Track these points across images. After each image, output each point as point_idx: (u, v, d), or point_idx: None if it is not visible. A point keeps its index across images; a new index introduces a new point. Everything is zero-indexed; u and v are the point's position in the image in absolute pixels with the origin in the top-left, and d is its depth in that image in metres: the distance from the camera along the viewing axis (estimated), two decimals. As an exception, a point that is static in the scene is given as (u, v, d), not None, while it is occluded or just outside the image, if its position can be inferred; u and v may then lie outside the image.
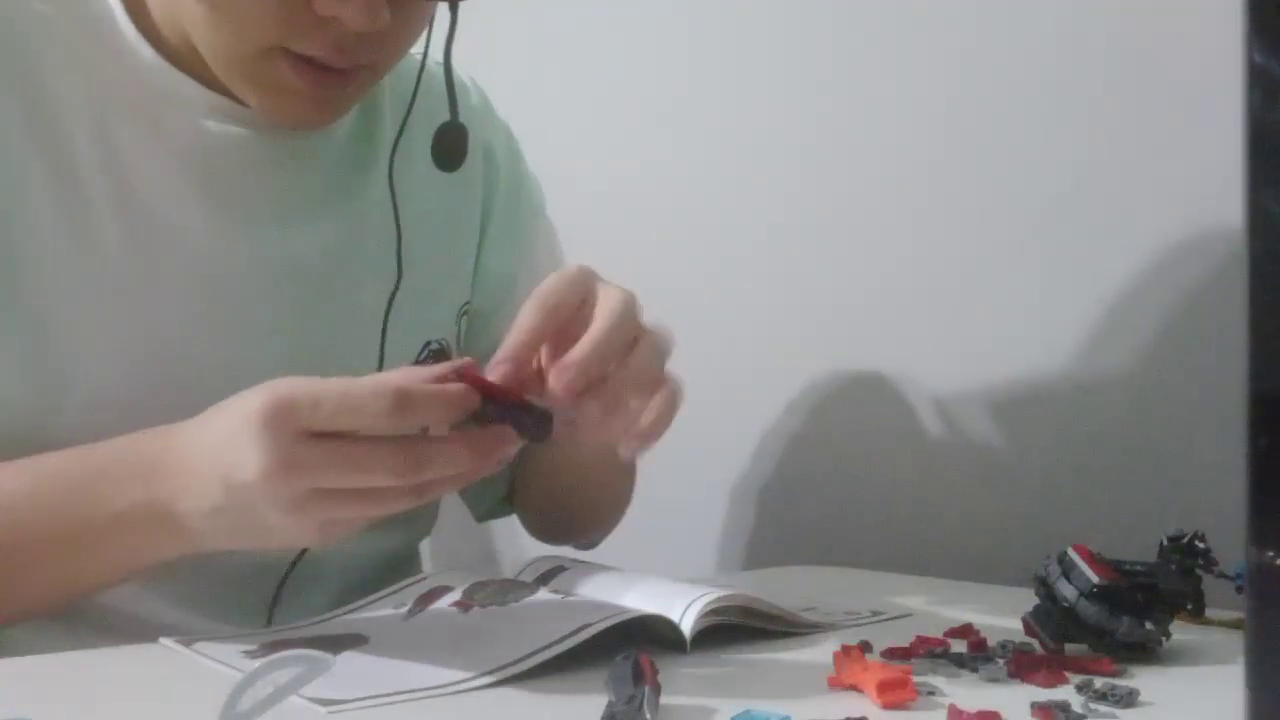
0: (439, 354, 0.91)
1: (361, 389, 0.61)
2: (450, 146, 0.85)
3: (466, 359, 0.65)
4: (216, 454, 0.65)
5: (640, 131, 1.31)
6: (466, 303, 0.95)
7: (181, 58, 0.80)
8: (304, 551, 0.83)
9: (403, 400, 0.60)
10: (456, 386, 0.61)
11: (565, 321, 0.65)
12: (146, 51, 0.80)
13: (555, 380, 0.62)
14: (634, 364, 0.65)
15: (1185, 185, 0.93)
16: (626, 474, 0.97)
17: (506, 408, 0.62)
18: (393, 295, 0.86)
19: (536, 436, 0.63)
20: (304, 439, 0.61)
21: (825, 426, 1.16)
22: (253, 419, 0.62)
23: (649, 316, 0.69)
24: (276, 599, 0.84)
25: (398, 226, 0.87)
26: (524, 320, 0.64)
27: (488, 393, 0.62)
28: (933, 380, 1.08)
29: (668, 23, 1.28)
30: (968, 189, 1.06)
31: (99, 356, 0.77)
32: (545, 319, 0.64)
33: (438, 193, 0.90)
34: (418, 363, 0.89)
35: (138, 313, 0.79)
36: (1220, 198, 0.87)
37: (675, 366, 0.70)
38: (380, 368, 0.84)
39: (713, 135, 1.25)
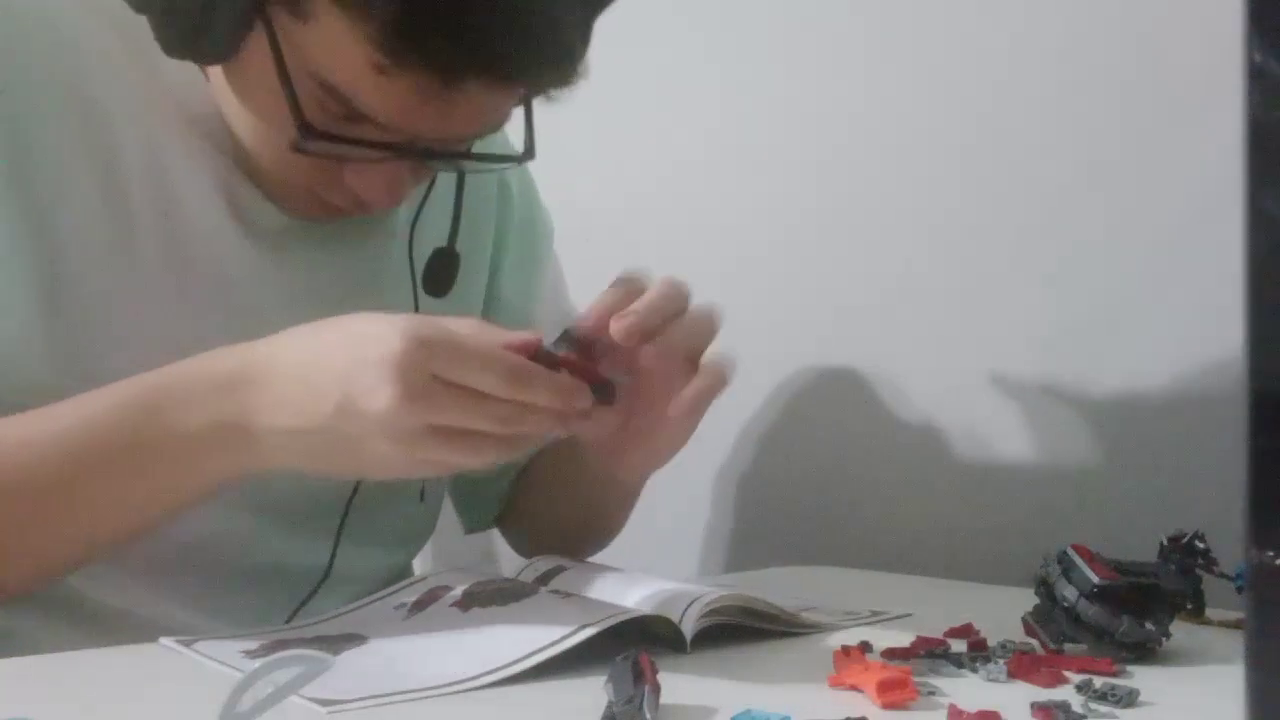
0: None
1: (487, 353, 0.67)
2: (440, 273, 0.89)
3: (538, 334, 0.72)
4: (329, 377, 0.68)
5: (638, 133, 1.31)
6: None
7: None
8: (330, 567, 0.86)
9: (520, 375, 0.67)
10: (566, 378, 0.70)
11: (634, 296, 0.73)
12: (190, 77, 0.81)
13: (616, 325, 0.70)
14: (681, 325, 0.74)
15: (1185, 185, 0.93)
16: (625, 503, 0.97)
17: (580, 375, 0.71)
18: None
19: (604, 398, 0.73)
20: (433, 381, 0.66)
21: (826, 426, 1.16)
22: (393, 355, 0.66)
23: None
24: (301, 611, 0.85)
25: (411, 263, 0.89)
26: (605, 293, 0.74)
27: (565, 365, 0.71)
28: (933, 379, 1.08)
29: (671, 23, 1.28)
30: (966, 188, 1.06)
31: (128, 360, 0.78)
32: (622, 293, 0.73)
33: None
34: None
35: (165, 324, 0.80)
36: (1220, 198, 0.87)
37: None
38: None
39: (710, 136, 1.25)
